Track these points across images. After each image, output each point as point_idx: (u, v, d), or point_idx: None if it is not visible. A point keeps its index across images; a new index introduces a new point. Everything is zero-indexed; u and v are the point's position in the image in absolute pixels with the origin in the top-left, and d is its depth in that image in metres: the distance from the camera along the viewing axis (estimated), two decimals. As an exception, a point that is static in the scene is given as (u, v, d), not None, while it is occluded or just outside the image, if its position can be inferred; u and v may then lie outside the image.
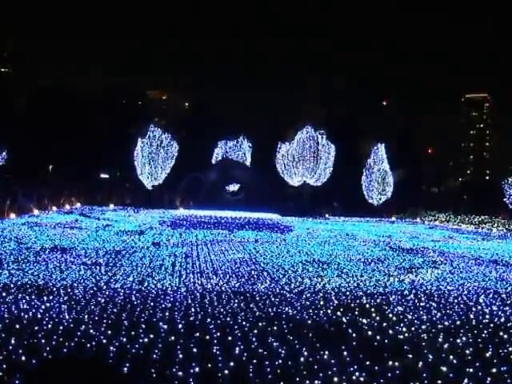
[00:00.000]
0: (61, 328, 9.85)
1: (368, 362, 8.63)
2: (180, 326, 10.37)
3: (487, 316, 12.46)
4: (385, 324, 11.20)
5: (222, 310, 11.87)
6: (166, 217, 39.63)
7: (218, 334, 9.89)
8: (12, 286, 13.48)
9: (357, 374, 8.12)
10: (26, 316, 10.64)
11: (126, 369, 7.89)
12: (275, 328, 10.49)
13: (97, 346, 8.90)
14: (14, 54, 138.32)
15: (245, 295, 13.62)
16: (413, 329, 10.96)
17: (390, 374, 8.18)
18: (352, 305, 12.97)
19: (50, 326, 9.99)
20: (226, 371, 8.00)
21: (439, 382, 8.04)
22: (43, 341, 9.04)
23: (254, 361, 8.50)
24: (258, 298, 13.29)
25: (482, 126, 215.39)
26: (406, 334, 10.52)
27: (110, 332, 9.68)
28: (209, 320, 10.85)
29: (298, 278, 16.67)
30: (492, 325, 11.65)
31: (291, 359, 8.68)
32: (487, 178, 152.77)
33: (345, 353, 9.07)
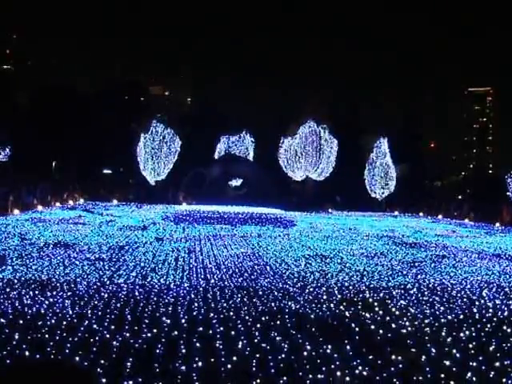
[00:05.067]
0: (64, 323, 9.89)
1: (371, 356, 8.65)
2: (183, 320, 10.40)
3: (490, 310, 12.45)
4: (388, 318, 11.20)
5: (224, 304, 11.90)
6: (169, 212, 39.68)
7: (221, 328, 9.91)
8: (16, 281, 13.51)
9: (360, 367, 8.14)
10: (30, 311, 10.67)
11: (129, 363, 7.92)
12: (278, 322, 10.51)
13: (100, 341, 8.93)
14: (16, 51, 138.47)
15: (248, 290, 13.63)
16: (416, 323, 10.97)
17: (392, 368, 8.19)
18: (355, 299, 12.98)
19: (53, 321, 10.03)
20: (229, 365, 8.02)
21: (442, 375, 8.05)
22: (47, 336, 9.07)
23: (257, 355, 8.51)
24: (260, 293, 13.30)
25: (484, 119, 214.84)
26: (409, 328, 10.53)
27: (113, 327, 9.71)
28: (212, 315, 10.88)
29: (300, 272, 16.68)
30: (495, 319, 11.65)
31: (294, 353, 8.69)
32: (490, 171, 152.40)
33: (347, 347, 9.09)
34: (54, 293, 12.34)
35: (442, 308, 12.41)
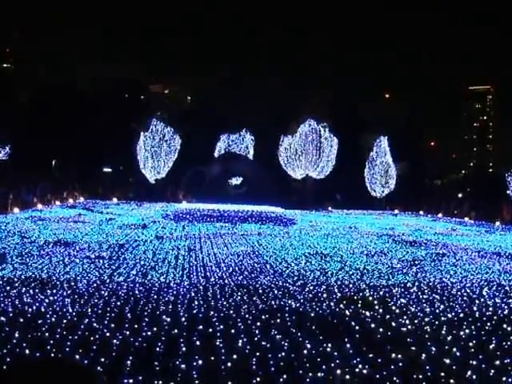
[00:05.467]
0: (64, 321, 9.89)
1: (371, 355, 8.64)
2: (183, 319, 10.39)
3: (490, 308, 12.45)
4: (388, 316, 11.20)
5: (224, 302, 11.89)
6: (169, 210, 39.69)
7: (221, 326, 9.91)
8: (16, 279, 13.51)
9: (360, 366, 8.14)
10: (30, 310, 10.67)
11: (129, 362, 7.92)
12: (278, 320, 10.51)
13: (100, 339, 8.93)
14: (16, 50, 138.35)
15: (248, 288, 13.63)
16: (416, 321, 10.96)
17: (392, 366, 8.19)
18: (355, 297, 12.97)
19: (53, 319, 10.02)
20: (229, 364, 8.02)
21: (442, 373, 8.04)
22: (47, 334, 9.07)
23: (257, 353, 8.51)
24: (260, 291, 13.30)
25: (485, 118, 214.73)
26: (409, 327, 10.52)
27: (113, 325, 9.70)
28: (212, 313, 10.87)
29: (300, 270, 16.68)
30: (495, 317, 11.65)
31: (294, 351, 8.69)
32: (490, 170, 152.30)
33: (348, 345, 9.08)
34: (54, 291, 12.34)
35: (442, 306, 12.40)
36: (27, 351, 8.17)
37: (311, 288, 13.90)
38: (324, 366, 8.07)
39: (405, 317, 11.24)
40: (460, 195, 71.12)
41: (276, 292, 13.26)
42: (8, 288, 12.44)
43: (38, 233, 23.74)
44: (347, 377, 7.77)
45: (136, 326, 9.73)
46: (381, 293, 13.65)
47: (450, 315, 11.59)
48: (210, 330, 9.72)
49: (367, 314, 11.34)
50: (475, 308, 12.38)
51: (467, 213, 49.73)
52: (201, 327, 9.78)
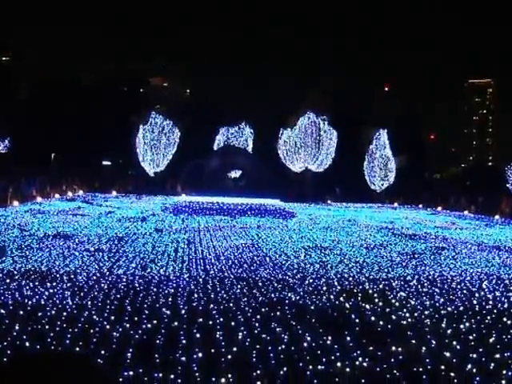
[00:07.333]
0: (64, 314, 9.88)
1: (371, 347, 8.64)
2: (183, 311, 10.39)
3: (490, 302, 12.45)
4: (388, 309, 11.20)
5: (224, 295, 11.89)
6: (168, 203, 39.66)
7: (221, 319, 9.90)
8: (15, 272, 13.50)
9: (360, 359, 8.14)
10: (30, 302, 10.66)
11: (129, 354, 7.92)
12: (278, 313, 10.51)
13: (100, 332, 8.92)
14: (15, 43, 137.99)
15: (247, 281, 13.63)
16: (416, 314, 10.96)
17: (392, 360, 8.19)
18: (355, 290, 12.97)
19: (53, 312, 10.02)
20: (229, 356, 8.02)
21: (442, 367, 8.04)
22: (47, 327, 9.06)
23: (257, 346, 8.51)
24: (260, 284, 13.30)
25: (485, 111, 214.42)
26: (409, 320, 10.53)
27: (113, 318, 9.70)
28: (212, 305, 10.87)
29: (300, 263, 16.68)
30: (495, 310, 11.65)
31: (294, 344, 8.69)
32: (490, 163, 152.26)
33: (348, 338, 9.08)
34: (54, 284, 12.33)
35: (441, 300, 12.40)
36: (27, 344, 8.17)
37: (311, 281, 13.90)
38: (324, 359, 8.07)
39: (405, 310, 11.24)
40: (459, 189, 71.11)
41: (276, 285, 13.26)
42: (8, 281, 12.43)
43: (37, 226, 23.72)
44: (347, 370, 7.77)
45: (136, 318, 9.73)
46: (380, 286, 13.65)
47: (449, 308, 11.59)
48: (210, 322, 9.72)
49: (367, 306, 11.34)
50: (475, 301, 12.38)
51: (466, 206, 49.71)
52: (201, 320, 9.77)
